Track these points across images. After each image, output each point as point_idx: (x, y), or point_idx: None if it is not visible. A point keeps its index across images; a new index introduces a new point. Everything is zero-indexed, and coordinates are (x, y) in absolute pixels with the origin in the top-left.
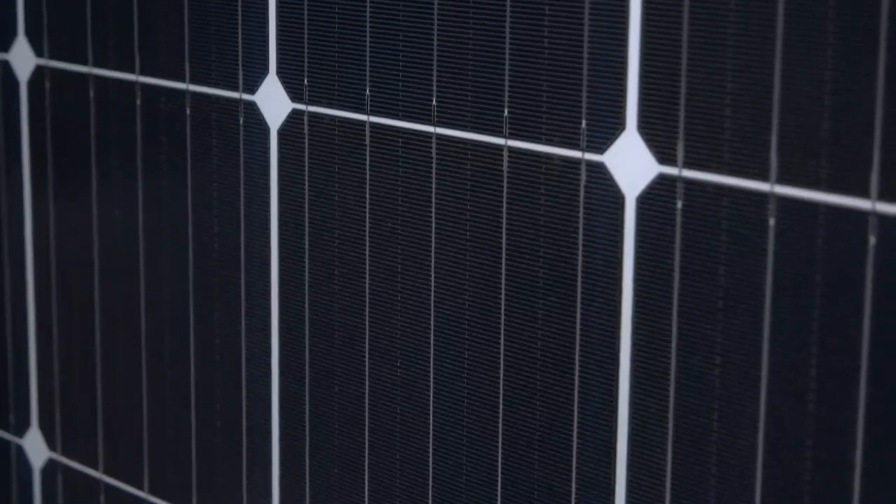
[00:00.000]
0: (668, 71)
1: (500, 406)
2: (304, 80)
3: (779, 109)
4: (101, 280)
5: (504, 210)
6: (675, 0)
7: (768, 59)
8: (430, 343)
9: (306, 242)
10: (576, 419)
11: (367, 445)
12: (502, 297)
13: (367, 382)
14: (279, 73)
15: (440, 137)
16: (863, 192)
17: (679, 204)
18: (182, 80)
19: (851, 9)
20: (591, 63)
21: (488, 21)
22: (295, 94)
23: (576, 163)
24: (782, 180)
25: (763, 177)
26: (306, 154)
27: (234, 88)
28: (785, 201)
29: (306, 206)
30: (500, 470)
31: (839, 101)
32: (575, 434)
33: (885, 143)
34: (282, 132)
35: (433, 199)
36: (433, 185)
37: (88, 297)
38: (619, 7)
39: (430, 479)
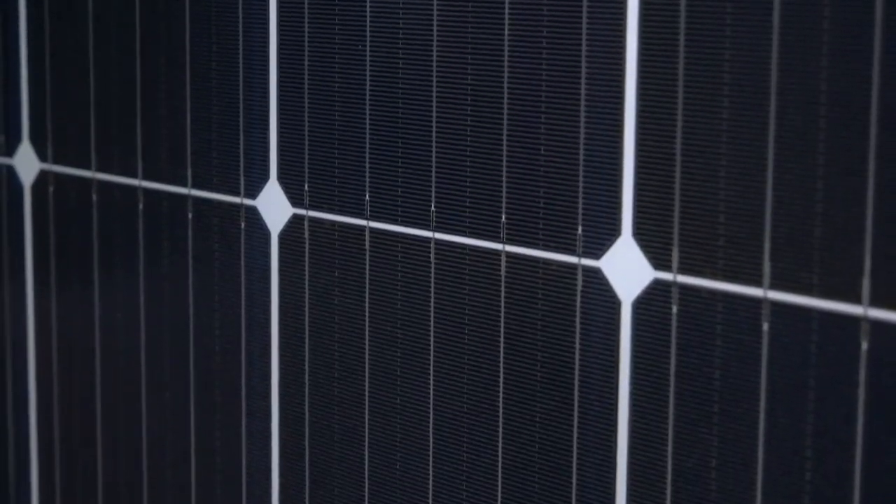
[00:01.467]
0: (663, 178)
1: None
2: (304, 186)
3: (771, 216)
4: (103, 379)
5: (502, 314)
6: (669, 108)
7: (761, 167)
8: (429, 446)
9: (307, 346)
10: None
11: None
12: (500, 400)
13: (366, 484)
14: (280, 178)
15: (439, 242)
16: (854, 298)
17: (674, 309)
18: (184, 184)
19: (841, 131)
20: (587, 170)
21: (486, 128)
22: (295, 200)
23: (572, 268)
24: (775, 286)
25: (756, 282)
26: (307, 258)
27: (236, 193)
28: (778, 307)
29: (307, 309)
30: None
31: (830, 209)
32: None
33: (875, 250)
34: (282, 236)
35: (432, 304)
36: (432, 290)
37: (90, 396)
38: (614, 114)
39: None
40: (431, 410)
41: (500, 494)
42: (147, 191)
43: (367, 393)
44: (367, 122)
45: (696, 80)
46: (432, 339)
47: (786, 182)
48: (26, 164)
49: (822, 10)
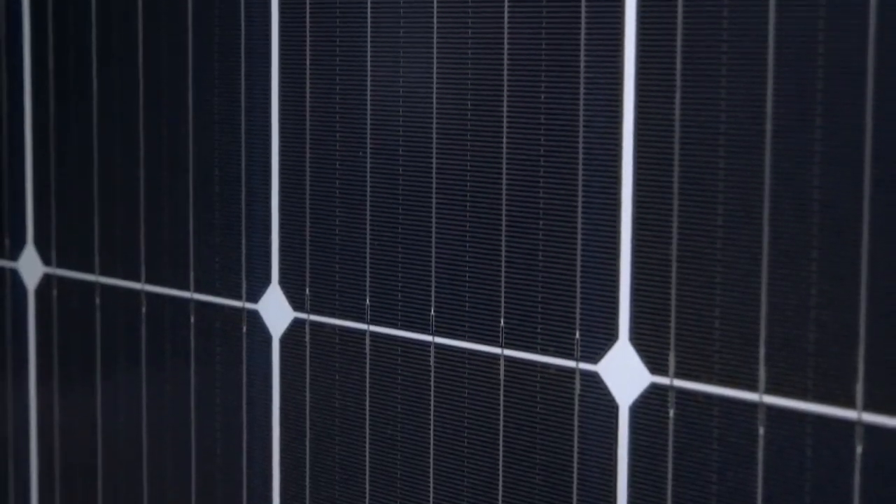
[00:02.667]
0: (659, 283)
1: None
2: (305, 290)
3: (766, 322)
4: (105, 480)
5: (501, 417)
6: (664, 212)
7: (755, 272)
8: None
9: (307, 449)
10: None
11: None
12: (499, 503)
13: None
14: (281, 282)
15: (438, 346)
16: (849, 403)
17: (671, 413)
18: (187, 288)
19: (833, 237)
20: (585, 274)
21: (484, 233)
22: (297, 304)
23: (570, 372)
24: (770, 390)
25: (752, 387)
26: (307, 362)
27: (238, 297)
28: (773, 411)
29: (307, 412)
30: None
31: (824, 314)
32: None
33: (868, 354)
34: (284, 340)
35: (432, 407)
36: (432, 393)
37: (92, 496)
38: (611, 220)
39: None
40: None
41: None
42: (150, 294)
43: (367, 495)
44: (368, 226)
45: (691, 187)
46: (432, 442)
47: (780, 287)
48: (30, 267)
49: (814, 131)
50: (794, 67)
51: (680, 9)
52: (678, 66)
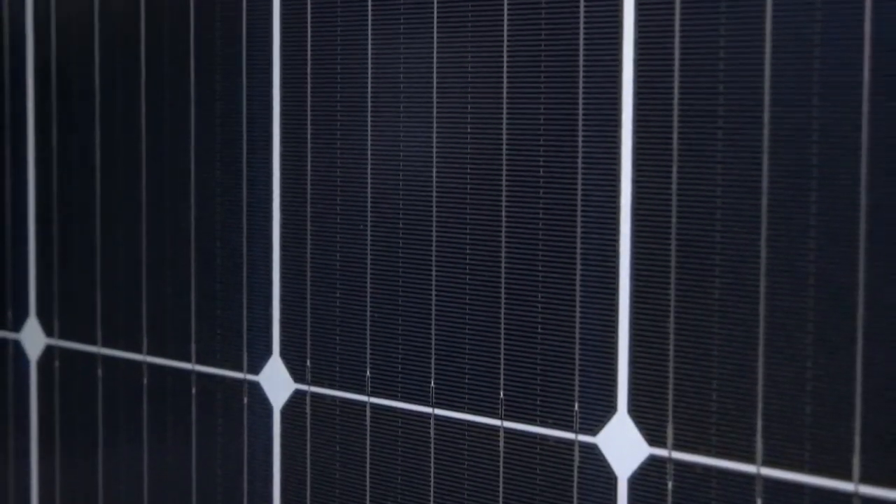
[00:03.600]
0: (657, 356)
1: None
2: (306, 362)
3: (763, 394)
4: None
5: (500, 489)
6: (662, 285)
7: (752, 346)
8: None
9: None
10: None
11: None
12: None
13: None
14: (282, 354)
15: (438, 418)
16: (845, 475)
17: (669, 484)
18: (188, 360)
19: (829, 312)
20: (583, 348)
21: (484, 306)
22: (297, 375)
23: (569, 444)
24: (768, 463)
25: (749, 459)
26: (308, 433)
27: (239, 369)
28: (771, 483)
29: (308, 483)
30: None
31: (820, 386)
32: None
33: (864, 427)
34: (284, 412)
35: (432, 479)
36: (432, 465)
37: None
38: (609, 293)
39: None
40: None
41: None
42: (151, 366)
43: None
44: (368, 298)
45: (688, 260)
46: None
47: (776, 360)
48: (33, 338)
49: (809, 206)
50: (789, 143)
51: (676, 96)
52: (675, 143)
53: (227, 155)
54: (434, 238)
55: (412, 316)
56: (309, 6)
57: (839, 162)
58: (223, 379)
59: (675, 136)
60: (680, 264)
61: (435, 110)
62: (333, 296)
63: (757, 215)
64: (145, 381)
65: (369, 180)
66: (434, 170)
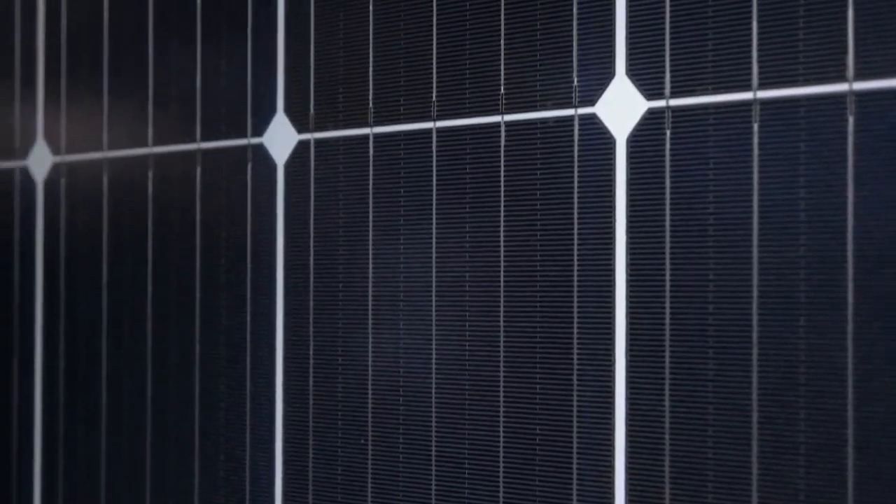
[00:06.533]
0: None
1: None
2: None
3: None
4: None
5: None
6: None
7: None
8: None
9: None
10: None
11: None
12: None
13: None
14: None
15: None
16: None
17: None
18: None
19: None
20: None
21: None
22: None
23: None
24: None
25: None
26: None
27: None
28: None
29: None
30: None
31: None
32: None
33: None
34: None
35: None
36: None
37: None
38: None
39: None
40: None
41: None
42: None
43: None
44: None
45: (682, 476)
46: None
47: None
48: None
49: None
50: (777, 364)
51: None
52: (667, 356)
53: (231, 370)
54: (433, 451)
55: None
56: (311, 229)
57: (826, 381)
58: None
59: (667, 343)
60: (673, 479)
61: (434, 328)
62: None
63: (747, 432)
64: None
65: (370, 395)
66: (433, 385)
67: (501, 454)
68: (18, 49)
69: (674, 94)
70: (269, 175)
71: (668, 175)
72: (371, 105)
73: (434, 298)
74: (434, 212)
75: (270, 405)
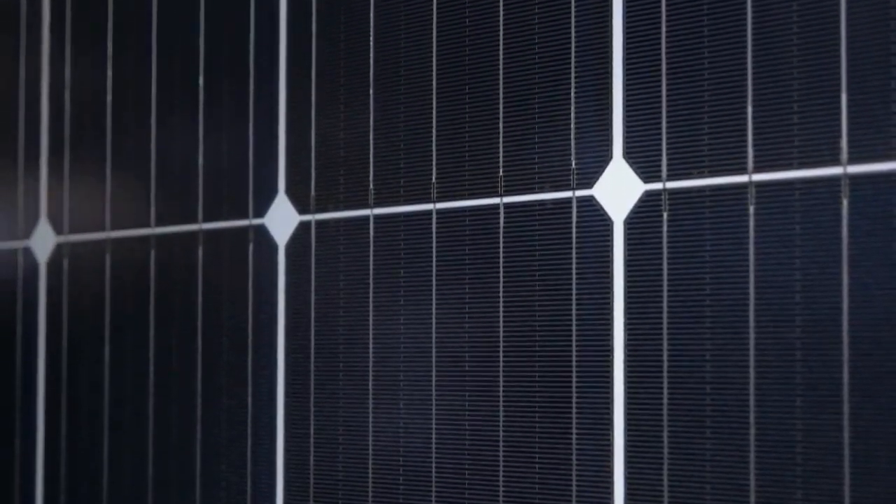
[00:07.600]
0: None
1: None
2: None
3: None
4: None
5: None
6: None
7: None
8: None
9: None
10: None
11: None
12: None
13: None
14: None
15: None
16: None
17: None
18: None
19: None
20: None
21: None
22: None
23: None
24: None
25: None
26: None
27: None
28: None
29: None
30: None
31: None
32: None
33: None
34: None
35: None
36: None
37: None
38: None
39: None
40: None
41: None
42: None
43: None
44: None
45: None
46: None
47: None
48: None
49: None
50: (775, 443)
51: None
52: (665, 437)
53: (232, 450)
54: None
55: None
56: (312, 309)
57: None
58: None
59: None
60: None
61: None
62: None
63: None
64: None
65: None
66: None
67: None
68: (22, 127)
69: (670, 177)
70: (271, 256)
71: (665, 256)
72: (371, 187)
73: (434, 379)
74: (434, 292)
75: (271, 485)
